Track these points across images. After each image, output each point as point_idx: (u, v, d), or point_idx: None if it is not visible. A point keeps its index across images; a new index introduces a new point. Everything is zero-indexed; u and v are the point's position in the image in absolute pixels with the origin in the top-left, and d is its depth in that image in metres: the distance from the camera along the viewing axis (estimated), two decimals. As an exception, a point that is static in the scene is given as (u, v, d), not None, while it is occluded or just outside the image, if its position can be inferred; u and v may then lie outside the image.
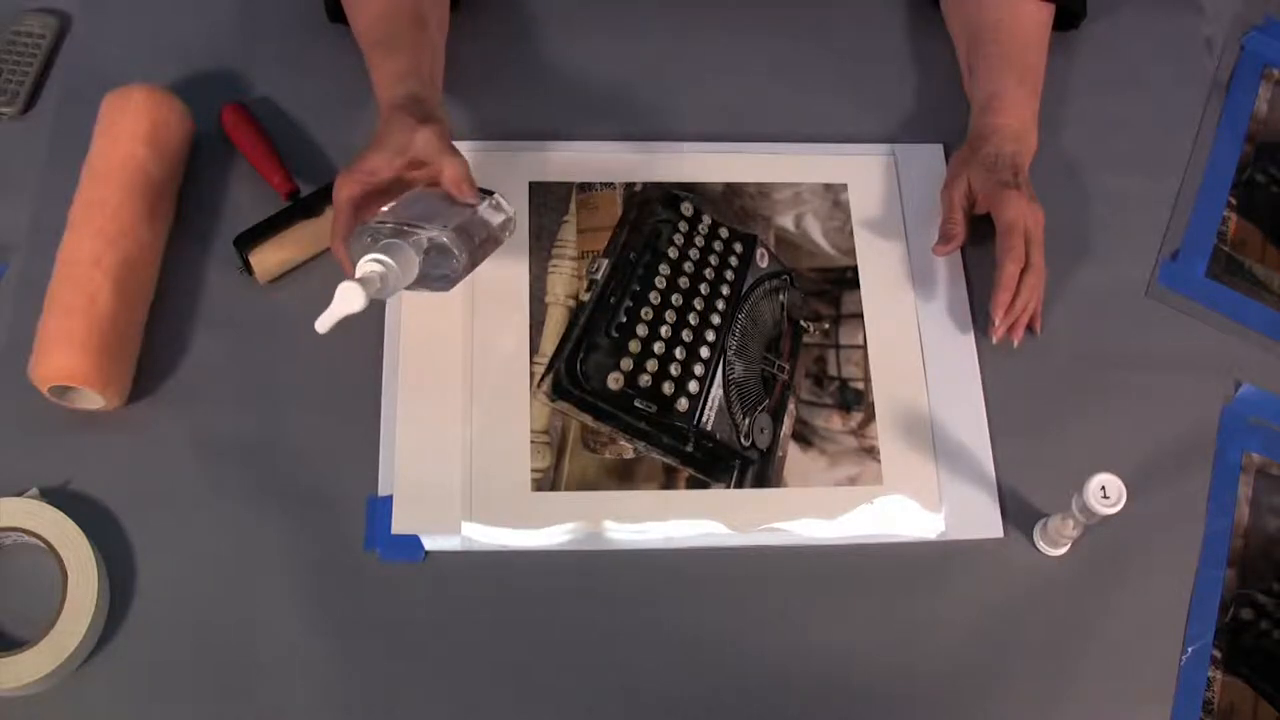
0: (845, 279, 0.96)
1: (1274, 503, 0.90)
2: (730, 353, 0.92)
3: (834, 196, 0.99)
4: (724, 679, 0.82)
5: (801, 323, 0.94)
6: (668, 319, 0.92)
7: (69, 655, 0.77)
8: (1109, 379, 0.93)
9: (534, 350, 0.90)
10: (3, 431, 0.85)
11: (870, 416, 0.91)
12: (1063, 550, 0.87)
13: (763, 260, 0.96)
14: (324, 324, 0.74)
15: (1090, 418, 0.92)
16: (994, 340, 0.91)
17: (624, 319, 0.92)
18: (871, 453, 0.90)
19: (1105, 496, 0.78)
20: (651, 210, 0.96)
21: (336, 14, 0.96)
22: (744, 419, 0.90)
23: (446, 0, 0.96)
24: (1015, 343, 0.91)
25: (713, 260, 0.95)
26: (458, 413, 0.88)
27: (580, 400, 0.89)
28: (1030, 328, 0.92)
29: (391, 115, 0.83)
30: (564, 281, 0.93)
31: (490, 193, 0.84)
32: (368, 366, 0.88)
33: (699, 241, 0.95)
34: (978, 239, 0.94)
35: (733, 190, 0.98)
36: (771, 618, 0.84)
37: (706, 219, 0.96)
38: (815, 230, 0.97)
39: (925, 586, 0.86)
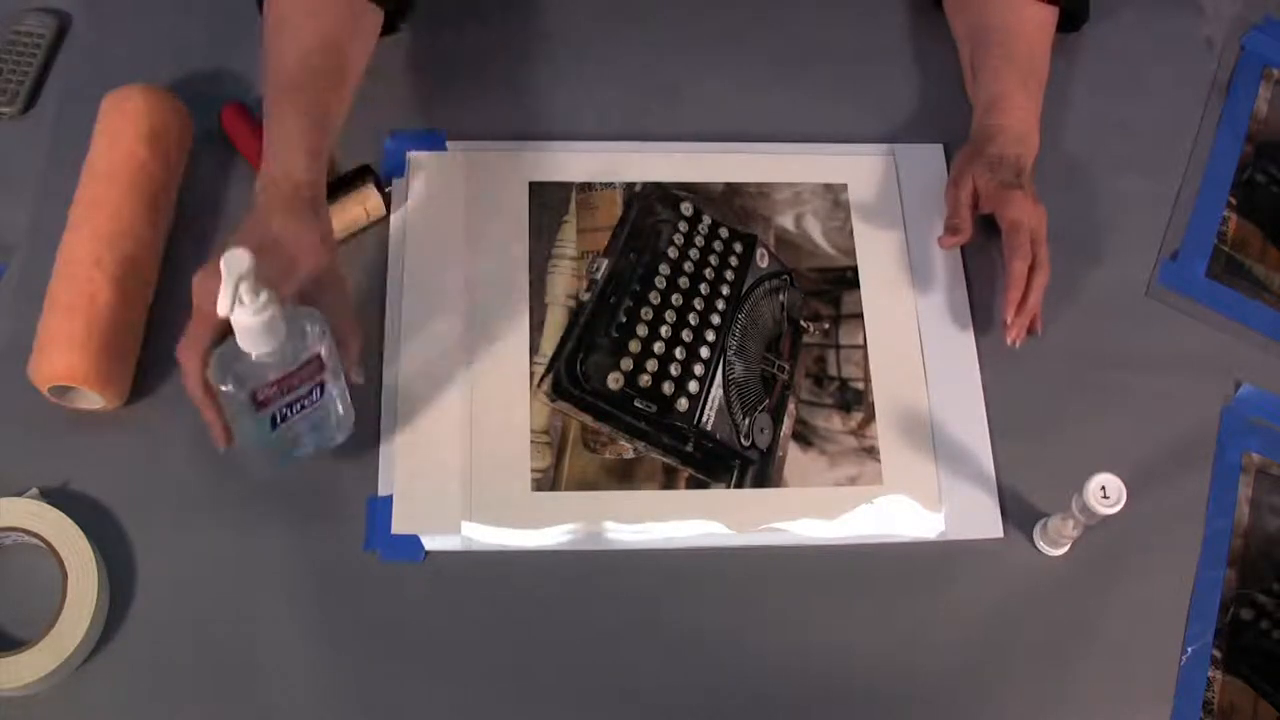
0: (845, 279, 0.96)
1: (1274, 503, 0.90)
2: (730, 353, 0.92)
3: (834, 196, 0.99)
4: (724, 679, 0.82)
5: (801, 323, 0.94)
6: (668, 319, 0.92)
7: (69, 655, 0.77)
8: (1109, 379, 0.93)
9: (534, 350, 0.90)
10: (3, 431, 0.85)
11: (870, 416, 0.91)
12: (1063, 550, 0.87)
13: (763, 260, 0.96)
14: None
15: (1090, 418, 0.92)
16: (1010, 340, 0.89)
17: (624, 319, 0.91)
18: (871, 453, 0.90)
19: (1105, 496, 0.78)
20: (651, 210, 0.96)
21: None
22: (744, 419, 0.90)
23: (374, 36, 0.89)
24: (1017, 344, 0.90)
25: (713, 260, 0.95)
26: (458, 413, 0.88)
27: (580, 400, 0.89)
28: (1030, 329, 0.92)
29: (291, 212, 0.76)
30: (564, 281, 0.93)
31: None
32: (368, 366, 0.88)
33: (699, 241, 0.95)
34: (977, 240, 0.94)
35: (733, 190, 0.98)
36: (771, 618, 0.84)
37: (706, 219, 0.96)
38: (815, 230, 0.97)
39: (925, 586, 0.86)
